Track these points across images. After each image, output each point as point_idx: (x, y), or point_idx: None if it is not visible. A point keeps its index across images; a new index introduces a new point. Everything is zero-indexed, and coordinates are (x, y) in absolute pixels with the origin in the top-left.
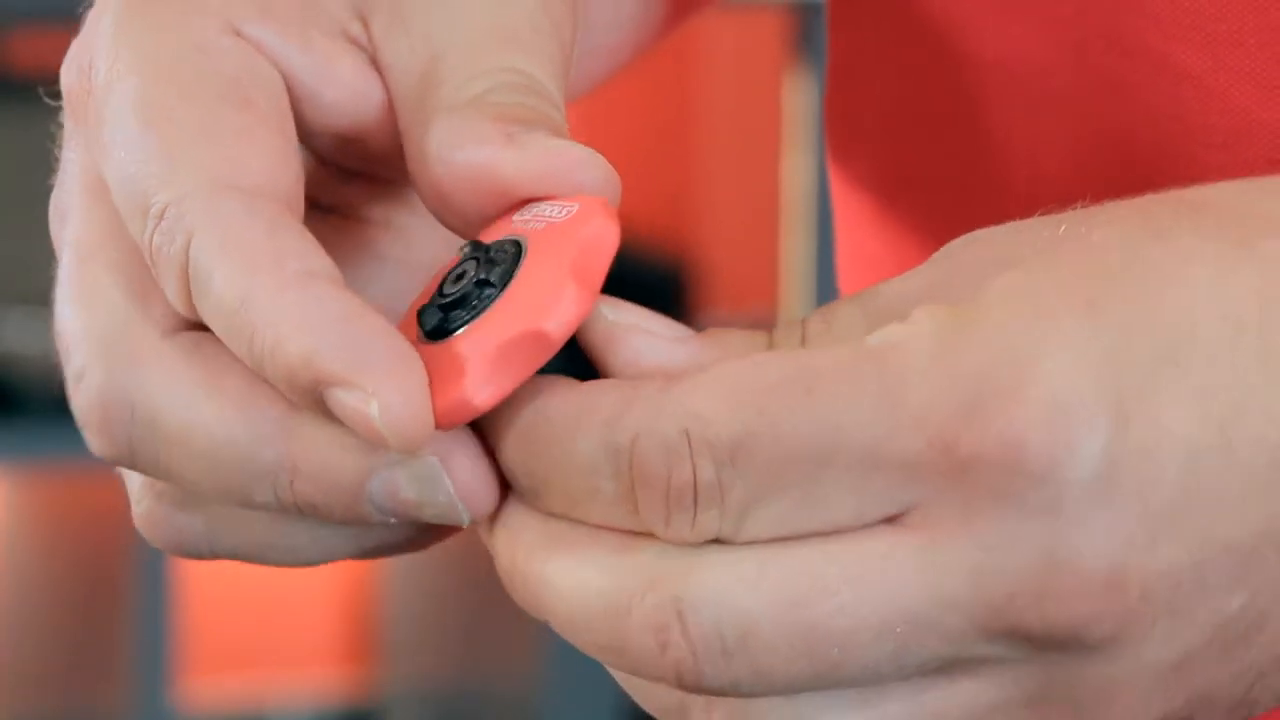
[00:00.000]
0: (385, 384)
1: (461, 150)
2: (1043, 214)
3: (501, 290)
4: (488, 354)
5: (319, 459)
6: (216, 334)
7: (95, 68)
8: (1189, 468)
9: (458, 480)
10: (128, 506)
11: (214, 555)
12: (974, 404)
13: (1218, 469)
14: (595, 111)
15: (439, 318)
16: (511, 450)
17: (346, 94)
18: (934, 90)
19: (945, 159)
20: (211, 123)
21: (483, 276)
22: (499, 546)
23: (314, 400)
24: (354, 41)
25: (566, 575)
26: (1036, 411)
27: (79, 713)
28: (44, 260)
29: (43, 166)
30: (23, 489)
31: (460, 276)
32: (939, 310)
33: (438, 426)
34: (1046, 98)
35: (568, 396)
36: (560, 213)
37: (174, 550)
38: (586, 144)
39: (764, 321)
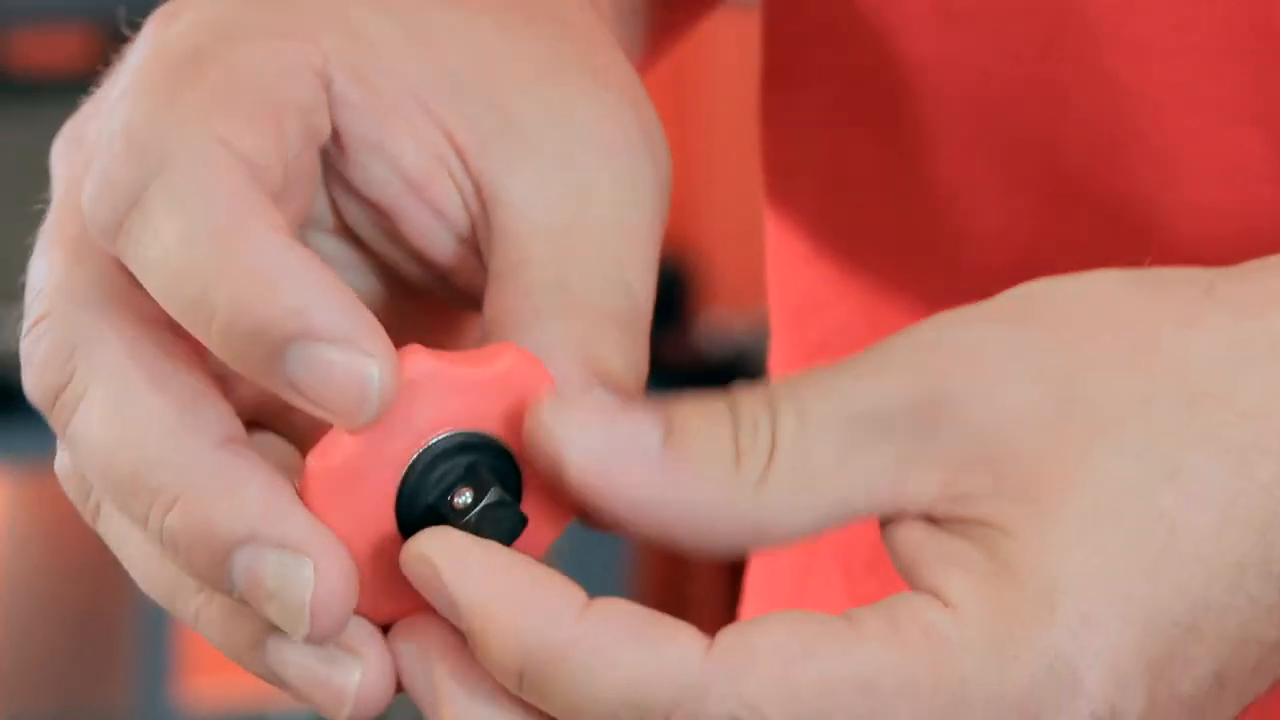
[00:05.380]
0: (384, 353)
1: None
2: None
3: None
4: None
5: (206, 502)
6: (148, 279)
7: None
8: (1190, 710)
9: (320, 590)
10: None
11: (98, 532)
12: None
13: (1213, 706)
14: None
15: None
16: (516, 676)
17: (433, 225)
18: (868, 93)
19: (876, 161)
20: (225, 95)
21: (494, 500)
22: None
23: (269, 359)
24: (443, 163)
25: None
26: None
27: (81, 712)
28: None
29: (43, 167)
30: (25, 488)
31: (454, 483)
32: (982, 605)
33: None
34: (981, 103)
35: (587, 640)
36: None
37: (75, 503)
38: None
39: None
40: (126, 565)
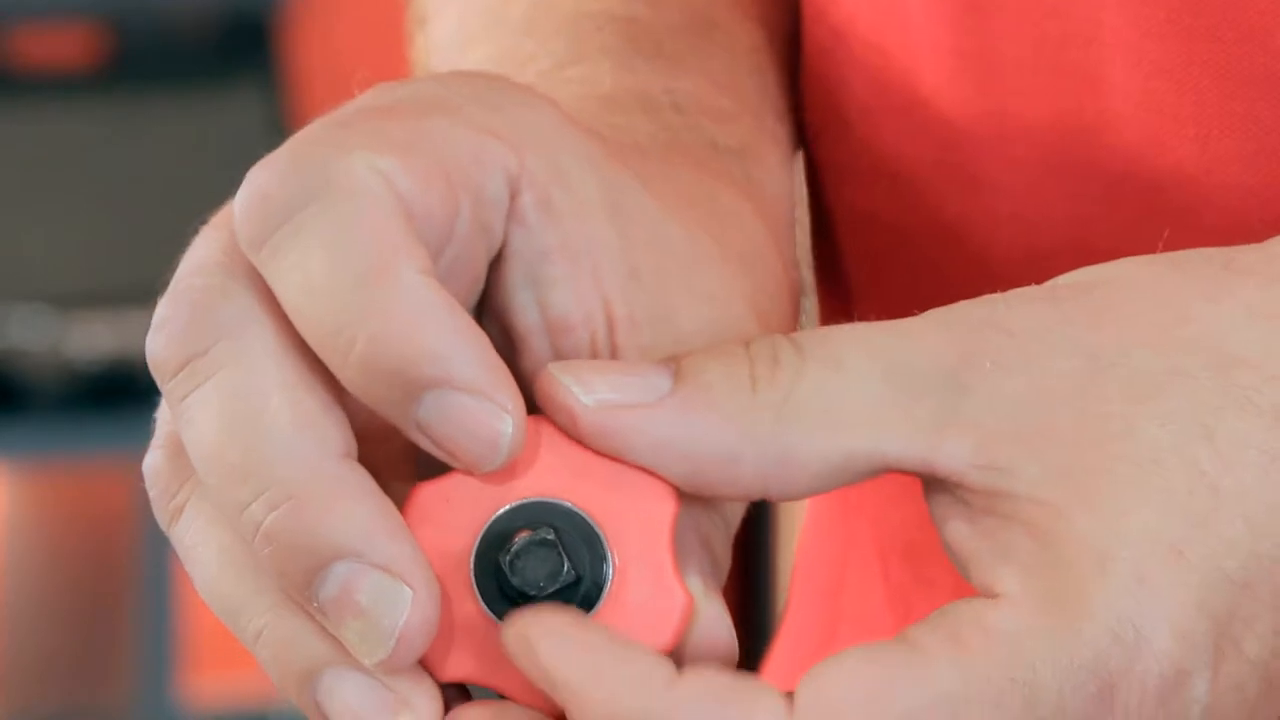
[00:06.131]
0: (517, 409)
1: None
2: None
3: (601, 594)
4: None
5: (319, 507)
6: (288, 301)
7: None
8: (1263, 678)
9: (412, 618)
10: (132, 502)
11: (170, 536)
12: (1103, 694)
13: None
14: None
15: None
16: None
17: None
18: (902, 85)
19: (910, 150)
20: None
21: (573, 574)
22: None
23: (404, 400)
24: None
25: None
26: (1156, 688)
27: (83, 708)
28: (46, 257)
29: (42, 165)
30: (27, 485)
31: (526, 553)
32: (1033, 588)
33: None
34: (1017, 90)
35: (680, 708)
36: (621, 480)
37: (154, 503)
38: None
39: None
40: (193, 572)
